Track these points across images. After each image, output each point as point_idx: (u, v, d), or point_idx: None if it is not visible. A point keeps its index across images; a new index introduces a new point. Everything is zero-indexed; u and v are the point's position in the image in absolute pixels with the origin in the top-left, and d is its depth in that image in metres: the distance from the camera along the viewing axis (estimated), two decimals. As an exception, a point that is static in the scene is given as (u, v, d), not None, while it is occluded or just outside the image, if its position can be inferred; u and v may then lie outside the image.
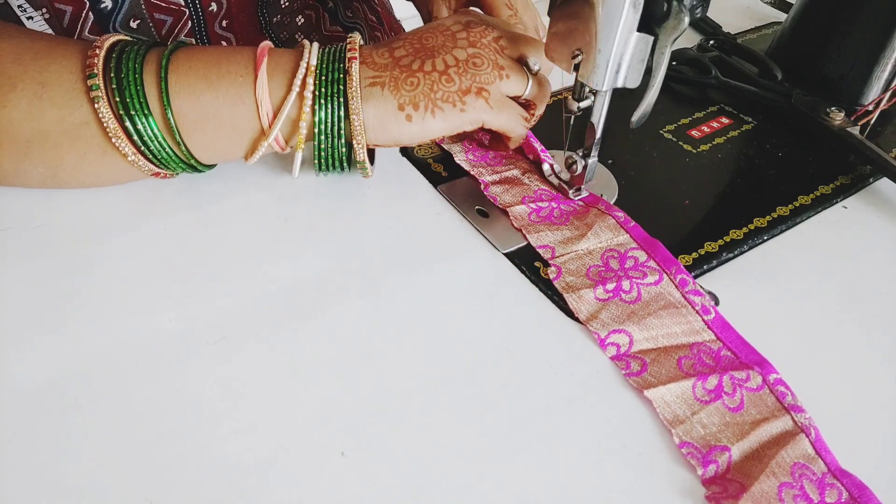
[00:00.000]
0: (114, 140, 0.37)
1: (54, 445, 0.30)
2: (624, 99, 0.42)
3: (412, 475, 0.30)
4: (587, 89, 0.40)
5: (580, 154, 0.43)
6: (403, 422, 0.32)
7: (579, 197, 0.45)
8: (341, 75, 0.39)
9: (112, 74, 0.37)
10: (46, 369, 0.32)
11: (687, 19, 0.35)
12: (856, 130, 0.51)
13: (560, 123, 0.45)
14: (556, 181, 0.45)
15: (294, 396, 0.33)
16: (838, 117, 0.52)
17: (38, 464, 0.29)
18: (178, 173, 0.42)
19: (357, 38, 0.41)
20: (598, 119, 0.41)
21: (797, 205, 0.46)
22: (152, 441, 0.30)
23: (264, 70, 0.38)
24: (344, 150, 0.41)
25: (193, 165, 0.41)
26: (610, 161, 0.49)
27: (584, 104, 0.41)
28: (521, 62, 0.43)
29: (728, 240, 0.43)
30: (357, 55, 0.40)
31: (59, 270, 0.37)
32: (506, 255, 0.41)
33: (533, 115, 0.45)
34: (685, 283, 0.39)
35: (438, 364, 0.35)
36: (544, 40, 0.49)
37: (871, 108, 0.53)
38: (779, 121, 0.55)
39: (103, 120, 0.36)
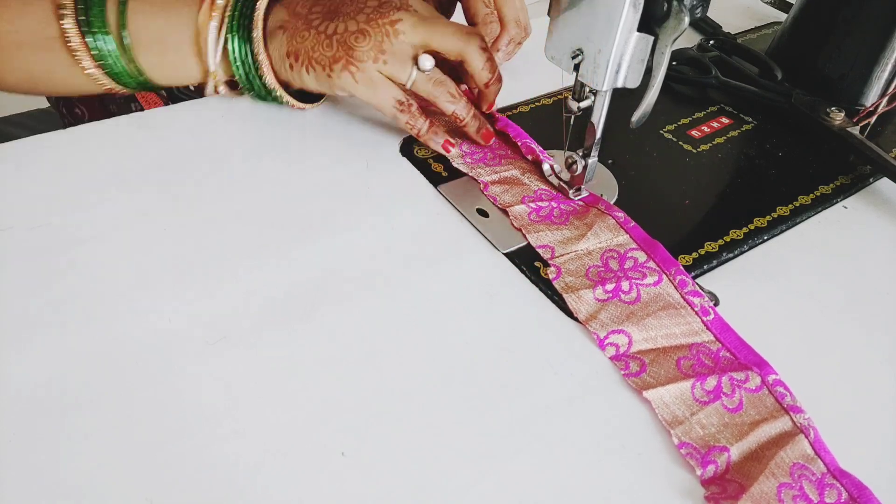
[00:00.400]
0: (76, 55, 0.43)
1: (54, 445, 0.30)
2: (624, 99, 0.42)
3: (412, 475, 0.30)
4: (587, 89, 0.40)
5: (580, 154, 0.43)
6: (404, 422, 0.32)
7: (579, 197, 0.45)
8: (250, 11, 0.45)
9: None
10: (46, 369, 0.32)
11: (687, 19, 0.35)
12: (856, 130, 0.51)
13: (560, 123, 0.45)
14: (556, 181, 0.45)
15: (294, 396, 0.33)
16: (838, 117, 0.52)
17: (38, 464, 0.29)
18: (131, 91, 0.47)
19: None
20: (598, 119, 0.41)
21: (797, 205, 0.46)
22: (152, 441, 0.30)
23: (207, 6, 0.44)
24: (259, 81, 0.46)
25: (144, 83, 0.46)
26: (610, 161, 0.49)
27: (584, 104, 0.41)
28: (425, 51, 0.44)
29: (728, 240, 0.43)
30: None
31: (59, 270, 0.37)
32: (506, 255, 0.41)
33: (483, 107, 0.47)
34: (685, 283, 0.39)
35: (438, 364, 0.35)
36: (524, 33, 0.51)
37: (872, 109, 0.53)
38: (779, 121, 0.55)
39: (67, 36, 0.42)
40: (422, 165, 0.47)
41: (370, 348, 0.35)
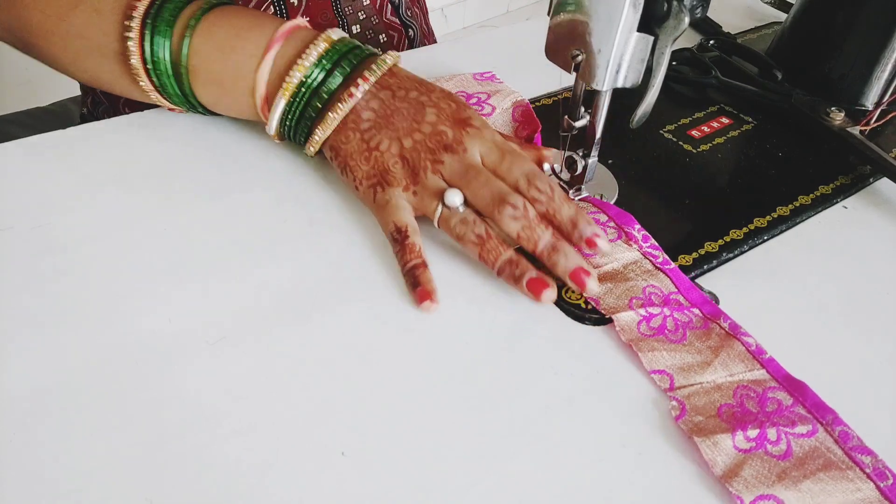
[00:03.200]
0: (135, 72, 0.43)
1: (54, 445, 0.30)
2: (624, 99, 0.42)
3: (412, 475, 0.30)
4: (582, 109, 0.40)
5: (580, 154, 0.43)
6: (404, 422, 0.32)
7: (580, 197, 0.45)
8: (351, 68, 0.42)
9: (149, 20, 0.42)
10: (47, 369, 0.32)
11: (687, 19, 0.35)
12: (856, 130, 0.51)
13: (560, 123, 0.45)
14: (555, 181, 0.45)
15: (294, 396, 0.33)
16: (838, 117, 0.52)
17: (38, 464, 0.29)
18: (187, 110, 0.48)
19: (395, 58, 0.43)
20: (599, 119, 0.41)
21: (797, 205, 0.46)
22: (152, 441, 0.30)
23: (271, 56, 0.42)
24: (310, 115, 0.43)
25: (201, 111, 0.47)
26: (610, 161, 0.49)
27: (579, 124, 0.41)
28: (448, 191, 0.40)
29: (728, 240, 0.43)
30: (369, 78, 0.42)
31: (59, 270, 0.37)
32: (506, 255, 0.41)
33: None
34: (847, 437, 0.32)
35: (438, 364, 0.35)
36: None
37: (876, 112, 0.53)
38: (779, 121, 0.55)
39: (129, 53, 0.42)
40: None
41: (370, 348, 0.35)
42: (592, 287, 0.37)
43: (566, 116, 0.42)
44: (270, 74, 0.42)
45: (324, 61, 0.42)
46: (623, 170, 0.48)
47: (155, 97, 0.45)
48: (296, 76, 0.41)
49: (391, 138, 0.41)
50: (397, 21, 0.67)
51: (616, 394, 0.34)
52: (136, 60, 0.42)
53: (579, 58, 0.38)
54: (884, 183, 0.50)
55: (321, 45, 0.42)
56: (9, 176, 0.42)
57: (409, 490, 0.30)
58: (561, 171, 0.45)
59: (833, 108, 0.52)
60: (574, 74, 0.40)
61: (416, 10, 0.70)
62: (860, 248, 0.45)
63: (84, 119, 0.70)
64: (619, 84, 0.38)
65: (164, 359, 0.33)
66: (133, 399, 0.32)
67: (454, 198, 0.39)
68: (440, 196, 0.40)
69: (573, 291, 0.39)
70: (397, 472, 0.30)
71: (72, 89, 0.76)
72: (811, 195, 0.47)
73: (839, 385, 0.36)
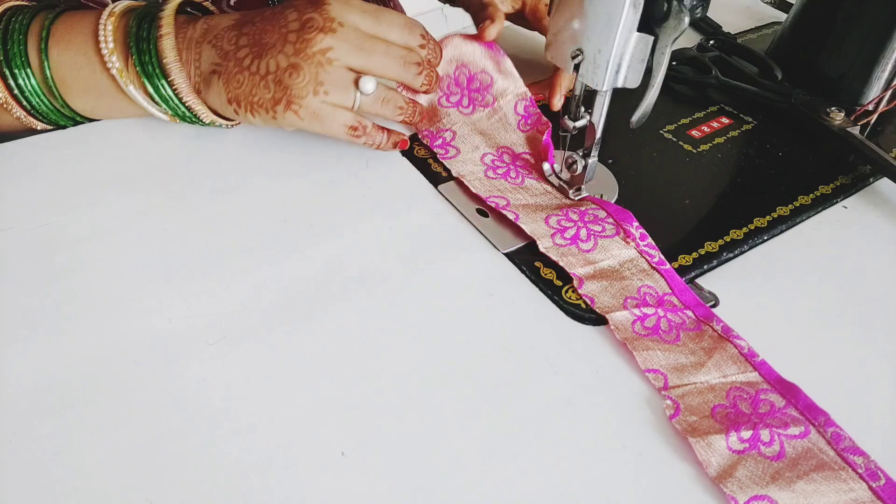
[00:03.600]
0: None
1: (54, 445, 0.30)
2: (624, 99, 0.41)
3: (412, 475, 0.30)
4: (582, 109, 0.40)
5: (580, 154, 0.43)
6: (404, 421, 0.32)
7: (579, 197, 0.45)
8: (154, 56, 0.42)
9: None
10: (46, 369, 0.32)
11: (687, 19, 0.35)
12: (856, 130, 0.51)
13: (559, 124, 0.45)
14: (556, 181, 0.45)
15: (294, 396, 0.33)
16: (838, 117, 0.52)
17: (38, 464, 0.29)
18: (64, 125, 0.46)
19: (169, 10, 0.43)
20: (599, 119, 0.41)
21: (797, 205, 0.46)
22: (152, 441, 0.30)
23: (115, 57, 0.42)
24: (191, 115, 0.45)
25: (79, 121, 0.46)
26: (610, 161, 0.49)
27: (579, 124, 0.41)
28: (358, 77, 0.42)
29: (728, 240, 0.43)
30: (169, 31, 0.42)
31: (59, 270, 0.37)
32: (506, 255, 0.41)
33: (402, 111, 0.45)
34: (839, 437, 0.32)
35: (438, 364, 0.35)
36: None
37: (871, 107, 0.53)
38: (779, 121, 0.55)
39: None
40: (422, 165, 0.47)
41: (370, 348, 0.35)
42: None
43: (566, 116, 0.42)
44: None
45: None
46: (623, 170, 0.48)
47: (12, 111, 0.43)
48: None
49: (275, 56, 0.41)
50: None
51: (616, 394, 0.34)
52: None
53: (579, 58, 0.38)
54: (884, 183, 0.50)
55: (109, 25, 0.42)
56: (9, 176, 0.42)
57: (409, 490, 0.30)
58: (561, 171, 0.45)
59: (833, 108, 0.52)
60: (574, 74, 0.40)
61: None
62: (860, 248, 0.45)
63: None
64: (619, 84, 0.38)
65: (164, 359, 0.33)
66: (133, 399, 0.32)
67: (368, 85, 0.42)
68: (352, 84, 0.42)
69: (573, 291, 0.39)
70: (397, 471, 0.30)
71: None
72: (811, 195, 0.47)
73: (839, 385, 0.36)
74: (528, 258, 0.41)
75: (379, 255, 0.40)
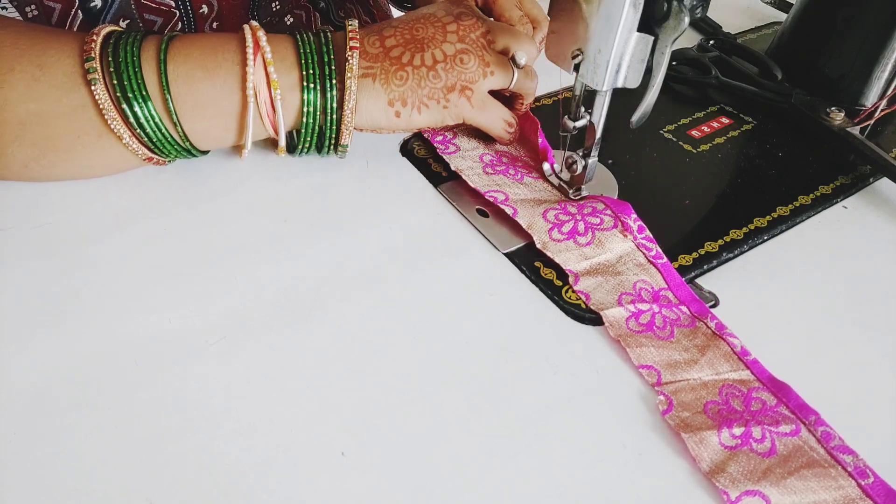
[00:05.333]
0: (110, 123, 0.37)
1: (54, 445, 0.30)
2: (624, 99, 0.41)
3: (412, 475, 0.30)
4: (582, 109, 0.40)
5: (580, 154, 0.43)
6: (404, 421, 0.32)
7: (579, 196, 0.45)
8: (332, 67, 0.40)
9: (110, 58, 0.37)
10: (46, 369, 0.32)
11: (687, 19, 0.35)
12: (856, 130, 0.51)
13: (558, 123, 0.45)
14: (556, 181, 0.45)
15: (294, 396, 0.33)
16: (838, 117, 0.52)
17: (38, 464, 0.29)
18: (172, 159, 0.42)
19: (356, 24, 0.42)
20: (598, 119, 0.41)
21: (797, 205, 0.46)
22: (152, 441, 0.30)
23: (260, 63, 0.39)
24: (330, 133, 0.42)
25: (189, 150, 0.41)
26: (610, 161, 0.49)
27: (579, 124, 0.41)
28: (508, 55, 0.44)
29: (728, 240, 0.43)
30: (358, 44, 0.41)
31: (59, 270, 0.37)
32: (506, 255, 0.41)
33: (521, 108, 0.47)
34: (829, 436, 0.32)
35: (438, 364, 0.35)
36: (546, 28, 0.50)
37: (873, 110, 0.53)
38: (779, 121, 0.55)
39: (100, 102, 0.37)
40: (422, 165, 0.47)
41: (370, 348, 0.35)
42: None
43: (566, 116, 0.42)
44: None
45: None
46: (623, 170, 0.48)
47: (129, 143, 0.39)
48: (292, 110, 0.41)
49: (439, 46, 0.42)
50: (331, 28, 0.61)
51: (616, 394, 0.34)
52: (106, 102, 0.37)
53: (579, 58, 0.38)
54: (884, 183, 0.50)
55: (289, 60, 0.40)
56: (9, 176, 0.42)
57: (409, 490, 0.30)
58: (561, 171, 0.45)
59: (833, 108, 0.52)
60: (574, 74, 0.40)
61: (353, 6, 0.65)
62: (860, 248, 0.45)
63: None
64: (619, 84, 0.38)
65: (165, 359, 0.33)
66: (133, 399, 0.32)
67: (523, 58, 0.44)
68: (508, 63, 0.44)
69: (573, 291, 0.39)
70: (397, 471, 0.30)
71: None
72: (811, 195, 0.47)
73: (839, 384, 0.36)
74: (528, 258, 0.41)
75: (379, 255, 0.40)
